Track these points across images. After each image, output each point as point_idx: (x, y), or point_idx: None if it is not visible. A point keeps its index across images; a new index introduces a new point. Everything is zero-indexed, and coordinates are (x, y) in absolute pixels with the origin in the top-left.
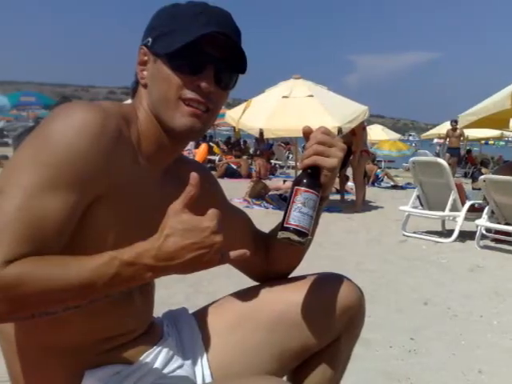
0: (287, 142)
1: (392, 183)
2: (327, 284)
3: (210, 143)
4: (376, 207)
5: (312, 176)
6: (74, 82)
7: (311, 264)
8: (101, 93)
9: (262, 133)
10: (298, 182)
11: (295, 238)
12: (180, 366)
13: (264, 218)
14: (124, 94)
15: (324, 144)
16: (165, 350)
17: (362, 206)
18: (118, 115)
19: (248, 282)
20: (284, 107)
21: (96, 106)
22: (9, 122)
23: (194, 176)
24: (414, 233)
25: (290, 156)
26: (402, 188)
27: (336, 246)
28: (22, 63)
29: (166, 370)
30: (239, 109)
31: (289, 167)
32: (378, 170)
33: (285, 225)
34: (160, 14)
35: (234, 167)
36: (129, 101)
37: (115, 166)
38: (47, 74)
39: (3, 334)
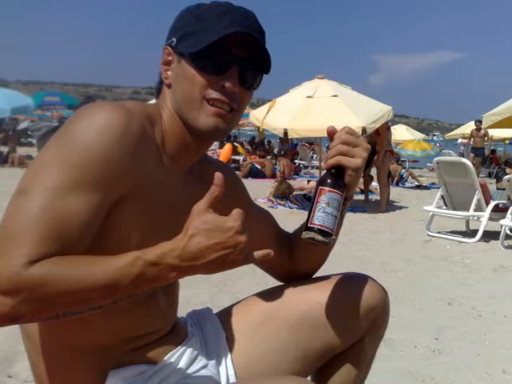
0: (311, 142)
1: (416, 183)
2: (351, 284)
3: (235, 143)
4: (400, 207)
5: (336, 176)
6: (98, 81)
7: (335, 264)
8: (125, 93)
9: (286, 133)
10: (322, 181)
11: (319, 237)
12: (204, 366)
13: (288, 218)
14: (148, 94)
15: (348, 144)
16: (189, 350)
17: (386, 206)
18: (142, 115)
19: (272, 282)
20: (308, 107)
21: (120, 106)
22: (33, 121)
23: (218, 176)
24: (439, 233)
25: (314, 156)
26: (426, 188)
27: (360, 245)
28: (47, 63)
29: (190, 370)
30: (263, 109)
31: (313, 167)
32: (403, 170)
33: (309, 225)
34: (184, 15)
35: (258, 167)
36: (153, 101)
37: (139, 165)
38: (71, 74)
39: (27, 333)
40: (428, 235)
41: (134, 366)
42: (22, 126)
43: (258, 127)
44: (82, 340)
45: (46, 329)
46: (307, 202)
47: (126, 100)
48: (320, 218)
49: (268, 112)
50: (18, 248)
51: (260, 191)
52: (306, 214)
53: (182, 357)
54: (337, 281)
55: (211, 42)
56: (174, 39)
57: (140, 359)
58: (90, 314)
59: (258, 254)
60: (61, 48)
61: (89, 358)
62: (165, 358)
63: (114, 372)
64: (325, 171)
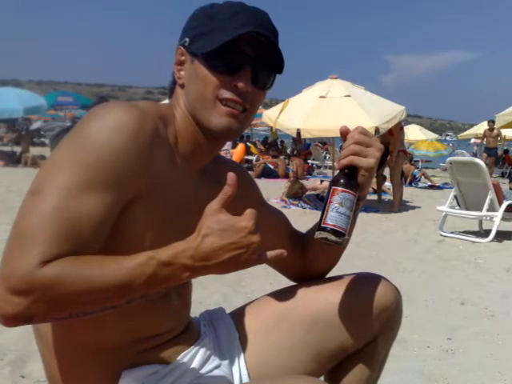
0: (324, 142)
1: (429, 183)
2: (364, 284)
3: (248, 143)
4: (413, 207)
5: (349, 176)
6: (111, 82)
7: (349, 264)
8: (138, 93)
9: (299, 133)
10: (335, 181)
11: (332, 237)
12: (217, 366)
13: (301, 218)
14: (161, 94)
15: (361, 144)
16: (202, 350)
17: (399, 206)
18: (155, 115)
19: (285, 282)
20: (321, 107)
21: (133, 106)
22: (46, 121)
23: (231, 176)
24: (452, 233)
25: (327, 156)
26: (439, 188)
27: (373, 246)
28: (60, 63)
29: (203, 370)
30: (276, 109)
31: (326, 167)
32: (415, 170)
33: (322, 225)
34: (197, 15)
35: (271, 167)
36: (166, 101)
37: (152, 166)
38: (84, 74)
39: (41, 333)
40: (441, 235)
41: (147, 365)
42: (35, 126)
43: (271, 127)
44: (95, 340)
45: (59, 329)
46: (320, 202)
47: (139, 100)
48: (333, 217)
49: (281, 112)
50: (31, 248)
51: (273, 191)
52: (318, 214)
53: (195, 357)
54: (350, 281)
55: (224, 41)
56: (187, 39)
57: (153, 359)
58: (102, 314)
59: (270, 253)
60: (74, 48)
61: (102, 357)
62: (178, 358)
63: (127, 372)
64: (338, 171)
